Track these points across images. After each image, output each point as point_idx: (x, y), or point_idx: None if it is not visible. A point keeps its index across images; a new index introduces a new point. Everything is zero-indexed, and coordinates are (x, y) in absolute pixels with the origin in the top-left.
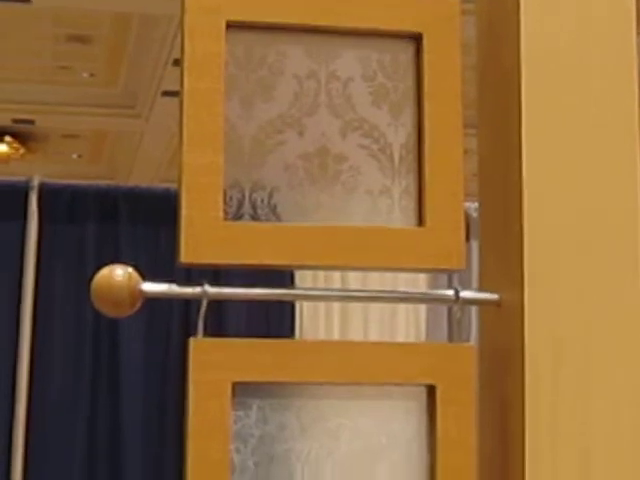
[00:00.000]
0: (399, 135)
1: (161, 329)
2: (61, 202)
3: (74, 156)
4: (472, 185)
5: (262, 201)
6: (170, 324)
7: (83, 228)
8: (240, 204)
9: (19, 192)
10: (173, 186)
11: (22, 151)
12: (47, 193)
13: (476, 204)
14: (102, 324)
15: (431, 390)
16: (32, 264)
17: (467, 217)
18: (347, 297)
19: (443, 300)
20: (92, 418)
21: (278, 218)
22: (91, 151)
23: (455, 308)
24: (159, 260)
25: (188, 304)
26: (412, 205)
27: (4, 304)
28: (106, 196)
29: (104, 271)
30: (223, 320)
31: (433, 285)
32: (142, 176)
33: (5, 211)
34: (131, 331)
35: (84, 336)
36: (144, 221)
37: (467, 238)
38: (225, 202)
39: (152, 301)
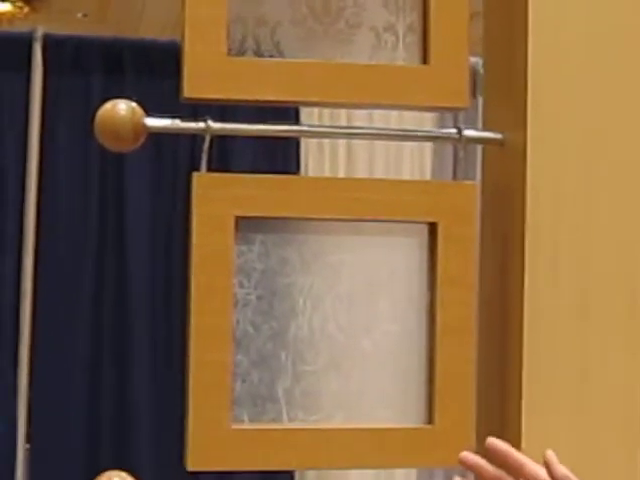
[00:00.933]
0: None
1: (167, 173)
2: (66, 53)
3: (79, 15)
4: (479, 49)
5: (265, 37)
6: (176, 170)
7: (88, 80)
8: (243, 39)
9: (23, 43)
10: (178, 39)
11: (26, 10)
12: (51, 44)
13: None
14: (108, 172)
15: (433, 227)
16: (37, 115)
17: (474, 73)
18: (352, 134)
19: (447, 138)
20: (99, 257)
21: (281, 54)
22: (96, 10)
23: (458, 147)
24: (164, 113)
25: (194, 148)
26: (417, 43)
27: (11, 154)
28: (111, 48)
29: (107, 105)
30: (228, 160)
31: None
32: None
33: (9, 62)
34: (137, 176)
35: (90, 185)
36: (149, 74)
37: (474, 94)
38: (228, 37)
39: (158, 146)
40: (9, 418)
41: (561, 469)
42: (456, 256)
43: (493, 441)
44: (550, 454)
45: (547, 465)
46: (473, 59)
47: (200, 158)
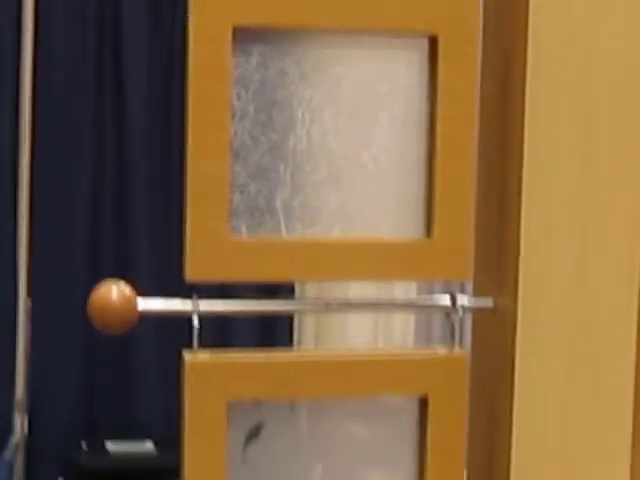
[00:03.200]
0: None
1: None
2: None
3: None
4: None
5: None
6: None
7: None
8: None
9: None
10: None
11: None
12: None
13: None
14: (105, 43)
15: (433, 41)
16: None
17: None
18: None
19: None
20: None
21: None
22: None
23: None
24: None
25: None
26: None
27: (6, 29)
28: None
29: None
30: None
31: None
32: None
33: None
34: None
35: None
36: None
37: None
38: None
39: None
40: (9, 267)
41: None
42: (457, 71)
43: None
44: None
45: None
46: None
47: None
